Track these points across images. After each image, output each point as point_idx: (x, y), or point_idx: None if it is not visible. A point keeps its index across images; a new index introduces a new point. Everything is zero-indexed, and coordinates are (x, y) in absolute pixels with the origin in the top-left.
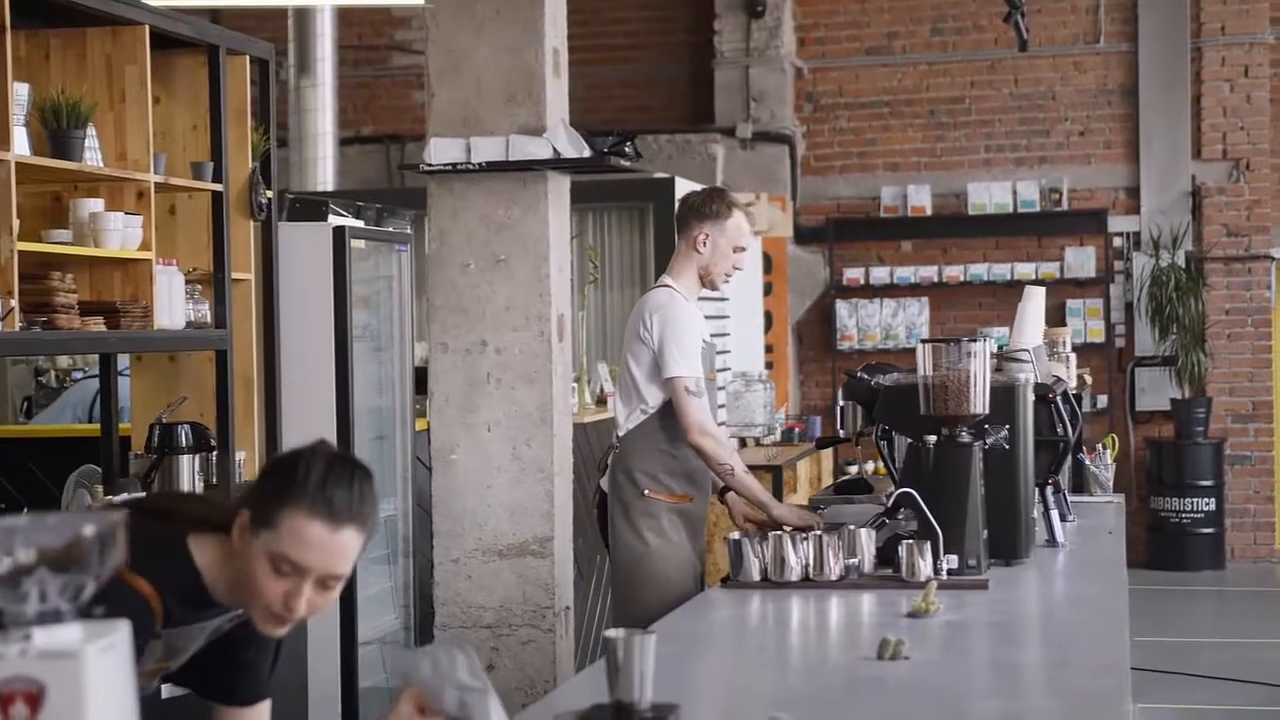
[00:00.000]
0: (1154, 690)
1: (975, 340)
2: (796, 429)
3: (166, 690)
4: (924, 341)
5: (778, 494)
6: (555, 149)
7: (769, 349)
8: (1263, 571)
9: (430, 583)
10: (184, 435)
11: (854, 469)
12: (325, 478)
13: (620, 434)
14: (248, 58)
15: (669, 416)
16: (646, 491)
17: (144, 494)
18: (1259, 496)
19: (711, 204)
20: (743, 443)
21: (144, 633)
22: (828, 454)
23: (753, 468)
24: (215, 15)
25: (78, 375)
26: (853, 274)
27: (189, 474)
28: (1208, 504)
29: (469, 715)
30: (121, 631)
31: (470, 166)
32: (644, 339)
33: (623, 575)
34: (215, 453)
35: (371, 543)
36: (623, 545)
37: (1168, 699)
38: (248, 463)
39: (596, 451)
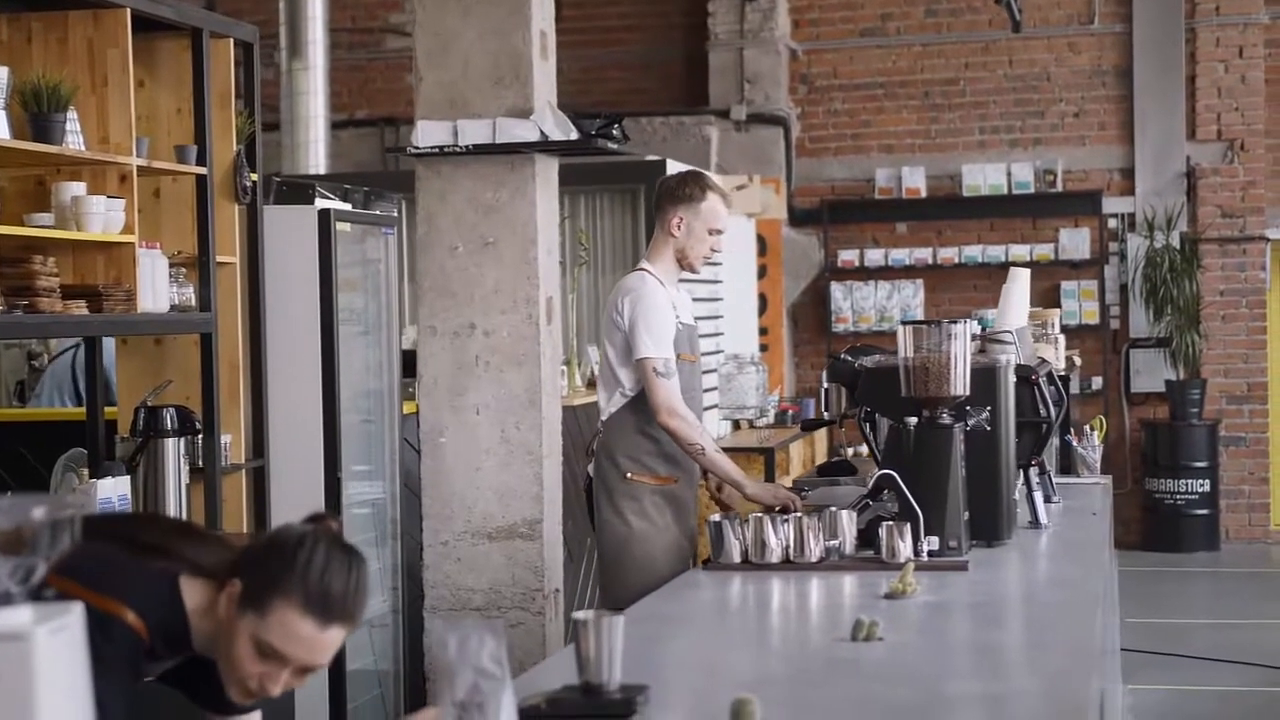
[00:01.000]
0: (1146, 671)
1: (956, 322)
2: (790, 411)
3: None
4: (905, 323)
5: (770, 476)
6: (542, 131)
7: (764, 331)
8: (1257, 553)
9: (419, 565)
10: (169, 418)
11: (849, 451)
12: (324, 572)
13: (603, 418)
14: (231, 41)
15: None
16: (629, 475)
17: (140, 514)
18: (1253, 478)
19: (685, 187)
20: (736, 425)
21: (134, 666)
22: (821, 436)
23: (745, 450)
24: (209, 1)
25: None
26: (847, 256)
27: (174, 457)
28: (1202, 485)
29: (480, 702)
30: (73, 614)
31: (457, 149)
32: (617, 323)
33: (608, 559)
34: (200, 436)
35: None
36: (607, 529)
37: (1160, 680)
38: (233, 446)
39: (586, 434)
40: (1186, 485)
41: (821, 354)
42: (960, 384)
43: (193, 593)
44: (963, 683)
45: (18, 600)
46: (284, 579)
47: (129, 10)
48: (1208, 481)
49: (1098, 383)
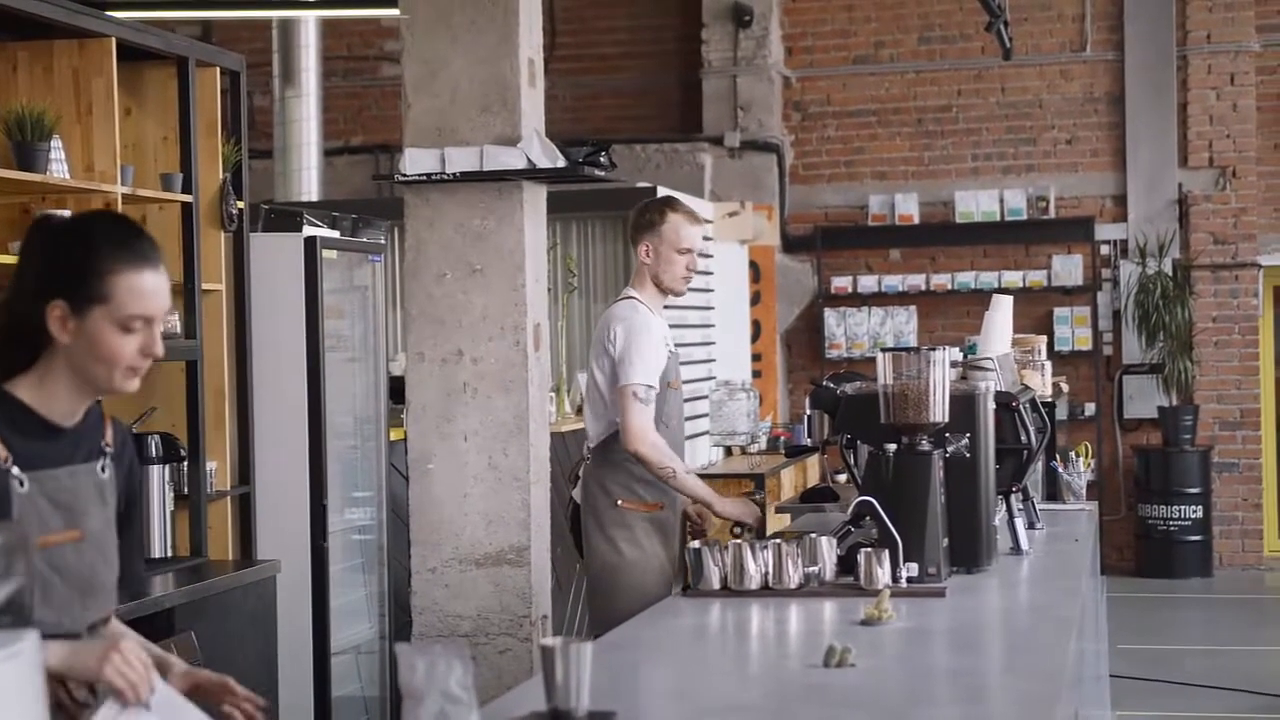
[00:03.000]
0: (1138, 698)
1: (935, 349)
2: (782, 437)
3: None
4: (884, 350)
5: (761, 504)
6: (529, 159)
7: (757, 358)
8: (1250, 579)
9: (407, 592)
10: (154, 446)
11: (843, 478)
12: (125, 236)
13: (591, 445)
14: (218, 69)
15: None
16: (620, 502)
17: None
18: (1246, 504)
19: (645, 215)
20: (728, 451)
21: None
22: (814, 462)
23: (736, 475)
24: (206, 27)
25: None
26: (840, 282)
27: (159, 485)
28: (1195, 511)
29: None
30: (28, 641)
31: (445, 177)
32: (609, 350)
33: (599, 586)
34: (185, 463)
35: (348, 554)
36: (597, 557)
37: (1152, 707)
38: (219, 473)
39: (576, 460)
40: (1179, 511)
41: (813, 381)
42: (939, 411)
43: (16, 387)
44: (933, 709)
45: None
46: (103, 260)
47: (114, 39)
48: (1201, 507)
49: (1090, 409)
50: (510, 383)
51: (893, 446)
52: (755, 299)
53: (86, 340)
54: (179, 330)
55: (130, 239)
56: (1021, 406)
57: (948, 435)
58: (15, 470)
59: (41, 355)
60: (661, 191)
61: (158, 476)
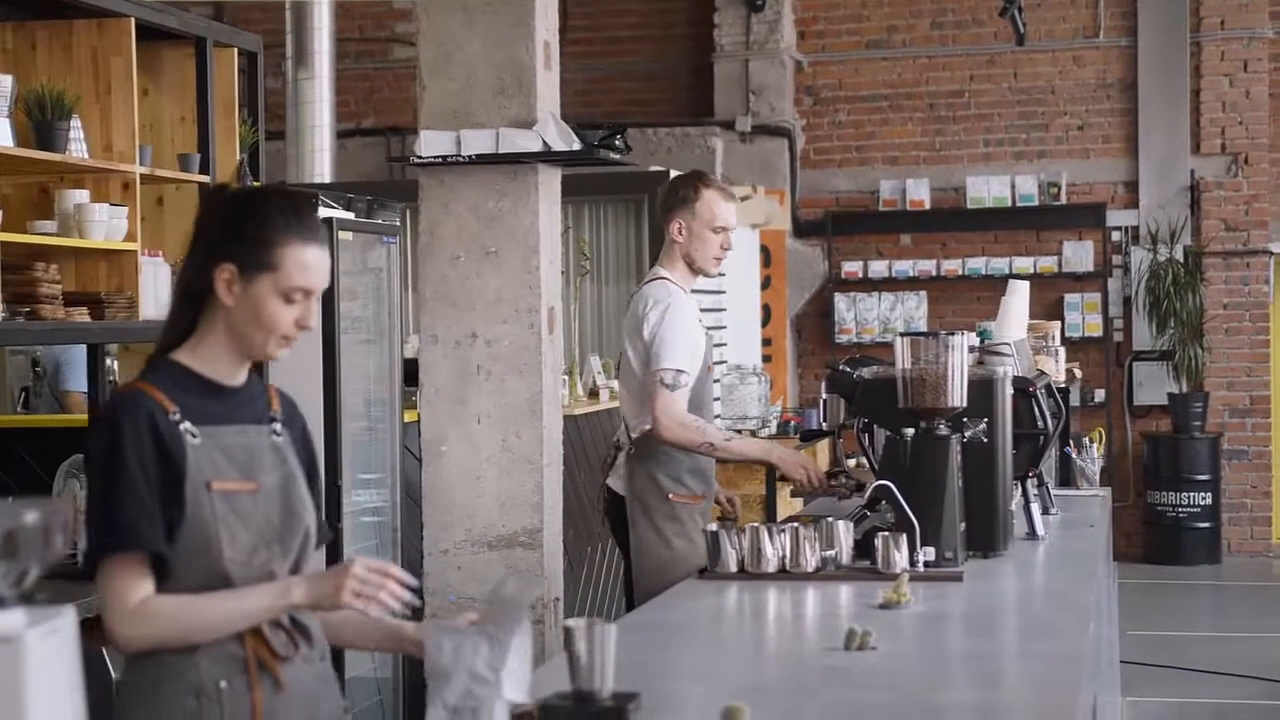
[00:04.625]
0: (1147, 684)
1: (953, 334)
2: (793, 422)
3: None
4: (902, 335)
5: (771, 486)
6: (545, 142)
7: (767, 342)
8: (1259, 566)
9: (420, 573)
10: None
11: (852, 463)
12: (298, 210)
13: (634, 435)
14: (235, 50)
15: (690, 411)
16: (671, 496)
17: None
18: (1256, 491)
19: (679, 190)
20: (738, 435)
21: (152, 417)
22: (825, 446)
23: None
24: (218, 8)
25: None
26: (851, 267)
27: None
28: (1204, 498)
29: (474, 707)
30: (65, 619)
31: (461, 159)
32: (642, 334)
33: (649, 579)
34: None
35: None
36: (647, 549)
37: (1160, 693)
38: None
39: (588, 444)
40: (1189, 498)
41: (823, 365)
42: (957, 395)
43: (181, 354)
44: (953, 692)
45: (10, 604)
46: (276, 231)
47: (133, 19)
48: (1210, 494)
49: (1100, 395)
50: (524, 365)
51: (911, 431)
52: (766, 283)
53: (250, 306)
54: None
55: (303, 214)
56: (1038, 392)
57: (965, 420)
58: (186, 425)
59: (200, 321)
60: (676, 175)
61: None
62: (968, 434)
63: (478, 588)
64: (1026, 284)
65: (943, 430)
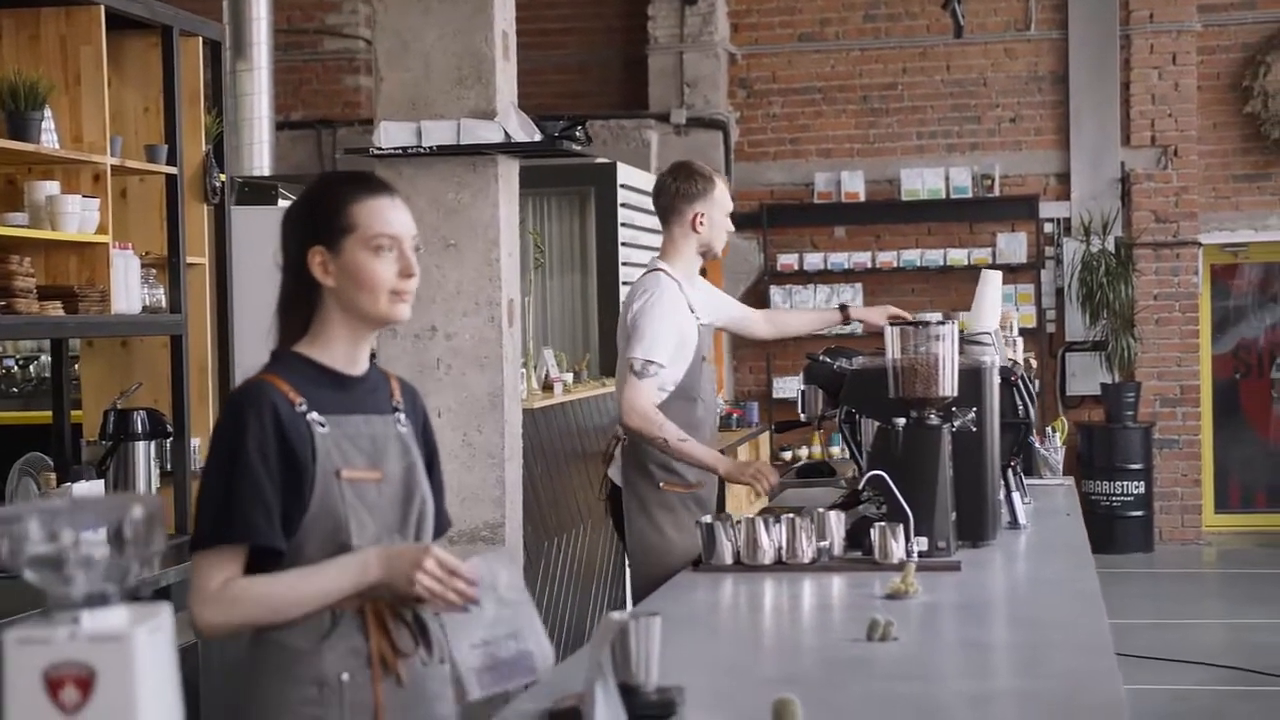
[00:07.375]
0: None
1: (943, 323)
2: (735, 415)
3: None
4: (892, 324)
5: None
6: (506, 133)
7: None
8: (1190, 554)
9: None
10: (140, 421)
11: (805, 453)
12: (355, 176)
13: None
14: (200, 39)
15: (678, 403)
16: (662, 484)
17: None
18: (1187, 480)
19: (697, 183)
20: None
21: (276, 409)
22: (765, 439)
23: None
24: None
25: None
26: (787, 260)
27: (144, 461)
28: (1137, 487)
29: (511, 633)
30: (165, 615)
31: (421, 150)
32: (627, 321)
33: (642, 570)
34: (171, 439)
35: None
36: (643, 540)
37: None
38: (203, 449)
39: (545, 437)
40: (1122, 487)
41: (761, 358)
42: (948, 385)
43: (302, 347)
44: (987, 681)
45: (114, 601)
46: (339, 202)
47: (103, 7)
48: (1142, 484)
49: (1035, 385)
50: (485, 359)
51: (902, 421)
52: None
53: (348, 274)
54: (164, 304)
55: (360, 177)
56: (1019, 381)
57: (954, 409)
58: (314, 414)
59: (313, 317)
60: (622, 169)
61: (143, 453)
62: (957, 423)
63: None
64: (999, 274)
65: (934, 420)
